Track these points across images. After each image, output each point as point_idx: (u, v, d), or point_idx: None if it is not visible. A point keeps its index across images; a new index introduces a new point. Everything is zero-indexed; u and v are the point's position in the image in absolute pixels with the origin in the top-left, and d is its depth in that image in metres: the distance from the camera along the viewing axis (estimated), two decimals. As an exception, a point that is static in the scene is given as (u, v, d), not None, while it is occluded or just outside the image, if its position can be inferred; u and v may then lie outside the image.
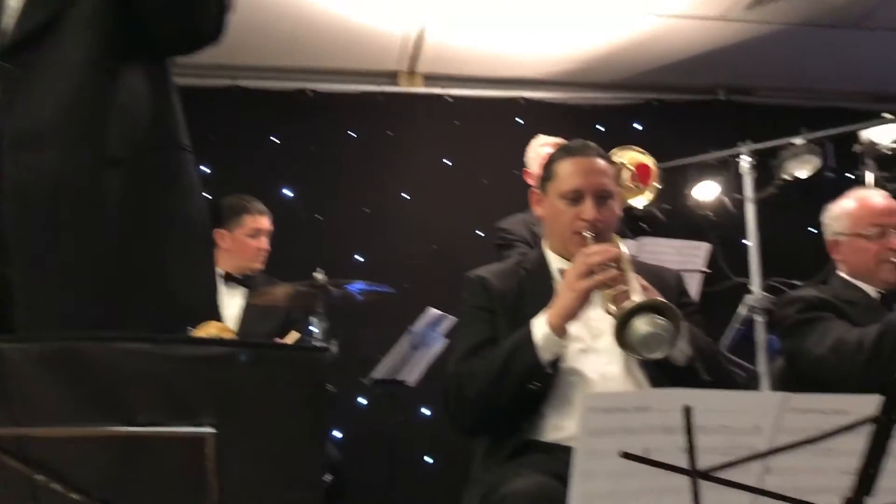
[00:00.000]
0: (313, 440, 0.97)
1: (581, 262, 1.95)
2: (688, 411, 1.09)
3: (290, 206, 4.81)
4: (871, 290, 2.59)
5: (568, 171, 2.19)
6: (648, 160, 3.88)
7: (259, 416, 0.97)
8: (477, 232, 4.86)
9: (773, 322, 3.36)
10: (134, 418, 0.95)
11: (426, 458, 4.58)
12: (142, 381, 0.94)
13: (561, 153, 2.26)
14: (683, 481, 1.13)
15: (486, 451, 2.13)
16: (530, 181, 3.82)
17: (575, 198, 2.17)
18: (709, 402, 1.09)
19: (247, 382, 0.94)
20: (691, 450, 1.11)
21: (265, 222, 3.60)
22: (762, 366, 3.84)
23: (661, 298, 1.78)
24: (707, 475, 1.13)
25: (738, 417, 1.10)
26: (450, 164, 5.06)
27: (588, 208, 2.14)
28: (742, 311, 3.95)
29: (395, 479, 3.90)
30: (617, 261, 1.94)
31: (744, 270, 4.13)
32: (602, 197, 2.17)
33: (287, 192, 4.85)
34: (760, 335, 3.86)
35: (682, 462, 1.12)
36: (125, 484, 1.01)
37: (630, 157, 3.91)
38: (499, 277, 2.27)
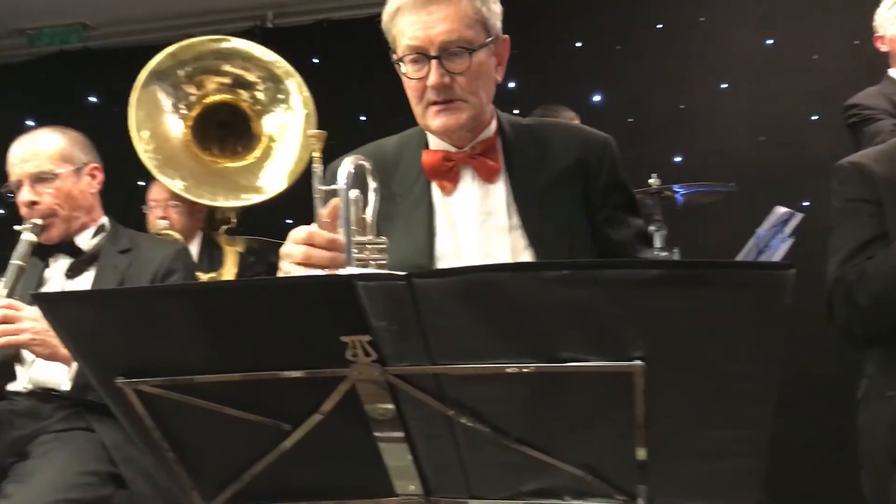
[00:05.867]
0: (763, 374, 0.82)
1: None
2: None
3: (600, 111, 4.61)
4: None
5: None
6: None
7: (697, 346, 0.83)
8: (811, 117, 4.33)
9: None
10: (553, 352, 0.86)
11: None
12: (561, 311, 0.84)
13: None
14: None
15: (881, 362, 1.86)
16: (884, 47, 3.28)
17: None
18: None
19: (682, 308, 0.81)
20: None
21: (578, 126, 3.48)
22: None
23: None
24: None
25: None
26: (771, 42, 4.53)
27: None
28: None
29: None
30: None
31: None
32: None
33: (596, 97, 4.65)
34: None
35: None
36: (542, 421, 0.94)
37: None
38: (880, 162, 1.94)
